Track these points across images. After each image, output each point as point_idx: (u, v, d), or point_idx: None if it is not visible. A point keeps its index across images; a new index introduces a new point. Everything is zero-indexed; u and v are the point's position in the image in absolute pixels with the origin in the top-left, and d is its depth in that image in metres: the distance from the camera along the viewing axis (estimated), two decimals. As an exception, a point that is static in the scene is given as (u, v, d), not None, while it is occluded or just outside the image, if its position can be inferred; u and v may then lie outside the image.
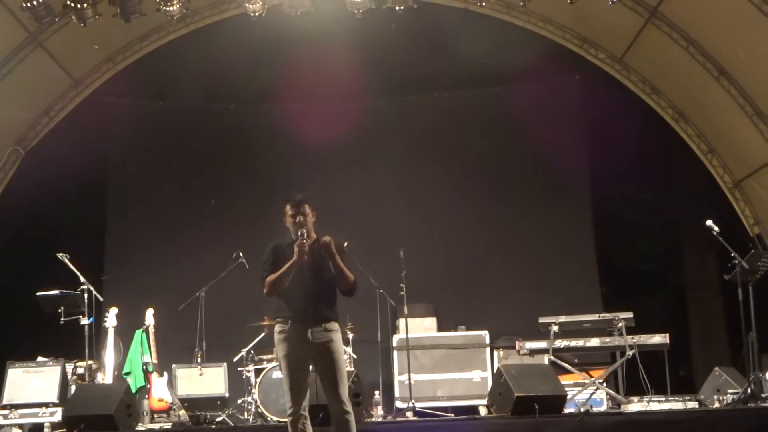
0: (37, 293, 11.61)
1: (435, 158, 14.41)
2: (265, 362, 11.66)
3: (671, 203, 14.25)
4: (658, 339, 10.84)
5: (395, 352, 12.48)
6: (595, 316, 11.07)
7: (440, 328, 13.09)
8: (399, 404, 12.05)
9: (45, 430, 11.08)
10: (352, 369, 10.65)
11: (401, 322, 12.20)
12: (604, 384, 11.09)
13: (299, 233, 7.19)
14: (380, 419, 10.92)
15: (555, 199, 14.36)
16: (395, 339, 12.54)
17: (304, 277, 7.18)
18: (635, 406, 9.95)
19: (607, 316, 11.00)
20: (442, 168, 14.43)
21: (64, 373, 11.55)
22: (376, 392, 11.66)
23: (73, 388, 11.38)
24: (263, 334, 11.88)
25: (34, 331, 12.33)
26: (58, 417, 11.01)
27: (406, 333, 11.77)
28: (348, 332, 11.61)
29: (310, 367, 7.32)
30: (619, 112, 14.05)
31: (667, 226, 14.40)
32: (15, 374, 11.57)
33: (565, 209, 14.38)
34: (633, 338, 10.71)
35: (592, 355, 11.53)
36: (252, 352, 11.96)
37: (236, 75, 14.25)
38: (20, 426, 11.27)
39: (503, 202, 14.40)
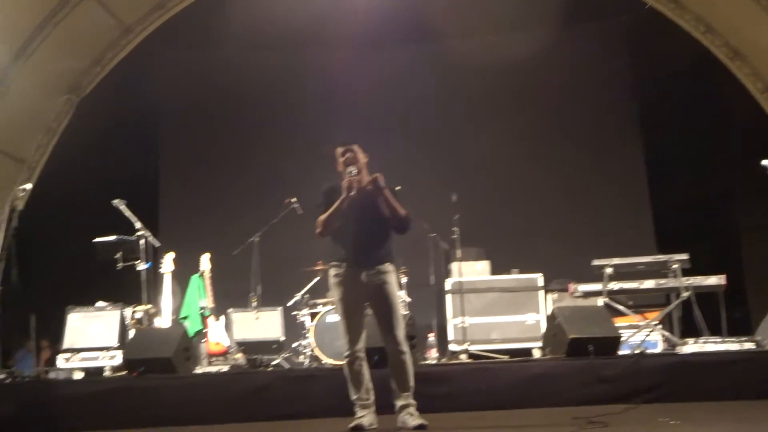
0: (95, 240, 11.78)
1: (486, 102, 14.34)
2: (320, 306, 11.76)
3: (725, 144, 14.05)
4: (713, 280, 10.72)
5: (448, 296, 12.50)
6: (649, 258, 10.96)
7: (493, 272, 13.06)
8: (453, 347, 12.10)
9: (105, 373, 11.29)
10: (407, 312, 10.71)
11: (454, 265, 12.22)
12: (659, 326, 11.03)
13: (348, 171, 7.20)
14: (435, 362, 10.98)
15: (607, 141, 14.27)
16: (448, 283, 12.56)
17: (356, 220, 7.20)
18: (690, 347, 9.86)
19: (661, 257, 10.88)
20: (493, 112, 14.37)
21: (122, 318, 11.73)
22: (430, 335, 11.72)
23: (131, 333, 11.56)
24: (317, 279, 11.98)
25: (93, 277, 12.52)
26: (118, 360, 11.21)
27: (460, 276, 11.78)
28: (402, 276, 11.66)
29: (366, 309, 7.37)
30: (671, 52, 13.83)
31: (721, 167, 14.19)
32: (75, 319, 11.78)
33: (617, 151, 14.30)
34: (688, 280, 10.58)
35: (647, 297, 11.45)
36: (306, 296, 12.07)
37: (285, 20, 14.19)
38: (81, 369, 11.49)
39: (555, 145, 14.33)
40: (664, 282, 10.73)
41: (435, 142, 14.30)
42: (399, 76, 14.30)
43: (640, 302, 11.38)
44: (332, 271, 7.32)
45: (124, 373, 10.25)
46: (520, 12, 14.00)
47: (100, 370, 11.37)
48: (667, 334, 10.98)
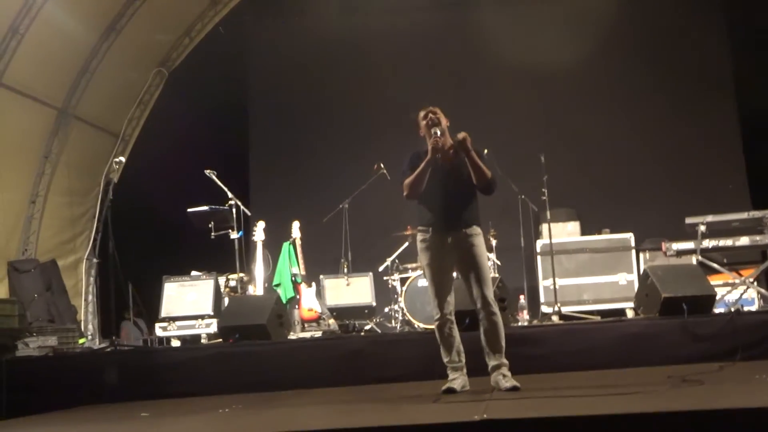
0: (188, 210, 11.98)
1: (573, 63, 14.12)
2: (410, 271, 11.82)
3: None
4: (811, 235, 10.50)
5: (539, 258, 12.45)
6: (744, 215, 10.71)
7: (584, 232, 12.98)
8: (544, 309, 12.07)
9: (202, 340, 11.52)
10: (496, 275, 10.69)
11: (544, 227, 12.15)
12: (755, 283, 10.84)
13: (433, 132, 7.19)
14: (526, 323, 10.96)
15: (700, 97, 13.99)
16: (539, 244, 12.51)
17: (442, 184, 7.17)
18: (788, 304, 9.73)
19: (757, 213, 10.63)
20: (580, 73, 14.17)
21: (217, 286, 11.95)
22: (521, 297, 11.69)
23: (226, 301, 11.78)
24: (407, 244, 12.02)
25: (187, 246, 12.74)
26: (213, 328, 11.44)
27: (550, 238, 11.71)
28: (491, 239, 11.64)
29: (454, 273, 7.38)
30: (763, 4, 13.48)
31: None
32: (171, 288, 12.04)
33: (709, 107, 14.01)
34: (785, 236, 10.39)
35: (742, 254, 11.24)
36: (397, 261, 12.13)
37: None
38: (178, 337, 11.74)
39: (644, 105, 14.09)
40: (759, 238, 10.49)
41: (522, 102, 14.17)
42: (486, 37, 14.18)
43: (735, 259, 11.19)
44: (419, 236, 7.33)
45: (219, 340, 10.44)
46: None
47: (197, 337, 11.62)
48: (763, 291, 10.81)
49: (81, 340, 11.88)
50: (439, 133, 7.15)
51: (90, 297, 13.90)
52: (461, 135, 7.16)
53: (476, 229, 7.22)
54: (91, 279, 13.97)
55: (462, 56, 14.39)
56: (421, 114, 7.34)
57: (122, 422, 7.23)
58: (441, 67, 14.29)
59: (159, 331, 11.87)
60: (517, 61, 14.12)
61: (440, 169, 7.16)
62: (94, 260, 13.92)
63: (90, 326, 13.71)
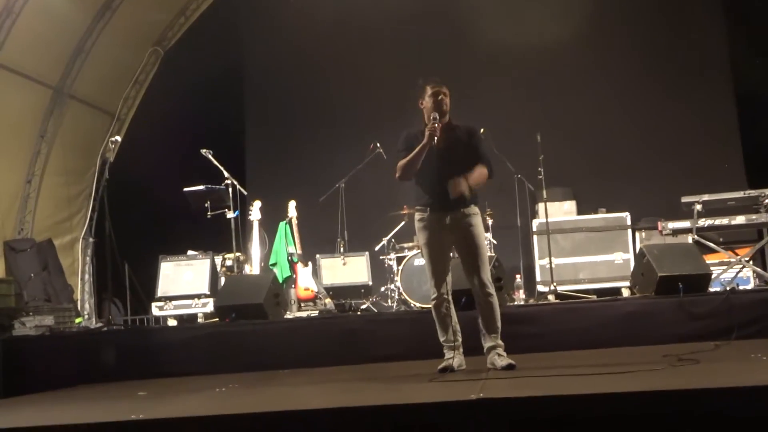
0: (184, 189, 11.98)
1: (569, 41, 14.10)
2: (406, 250, 11.84)
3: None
4: (806, 214, 10.50)
5: (535, 237, 12.47)
6: (740, 193, 10.72)
7: (580, 211, 13.00)
8: (541, 288, 12.10)
9: (198, 320, 11.54)
10: (493, 254, 10.69)
11: (540, 206, 12.15)
12: (751, 262, 10.86)
13: (432, 116, 7.16)
14: (522, 302, 10.98)
15: (695, 76, 13.96)
16: (535, 223, 12.53)
17: (438, 164, 7.13)
18: (783, 283, 9.75)
19: (753, 192, 10.63)
20: (576, 49, 14.15)
21: (213, 266, 11.98)
22: (518, 276, 11.72)
23: (222, 280, 11.80)
24: (403, 223, 12.04)
25: (183, 225, 12.75)
26: (210, 307, 11.49)
27: (546, 217, 11.72)
28: (487, 218, 11.64)
29: (452, 252, 7.39)
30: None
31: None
32: (167, 268, 12.08)
33: (705, 86, 13.98)
34: (780, 214, 10.39)
35: (738, 233, 11.27)
36: (393, 240, 12.15)
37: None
38: (174, 317, 11.76)
39: (641, 82, 14.05)
40: (755, 217, 10.50)
41: (519, 82, 14.16)
42: (482, 18, 14.15)
43: (730, 238, 11.22)
44: (417, 216, 7.32)
45: (216, 319, 10.46)
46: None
47: (194, 317, 11.65)
48: (759, 270, 10.84)
49: (77, 320, 11.90)
50: (437, 117, 7.11)
51: (86, 276, 13.91)
52: (460, 189, 7.12)
53: (474, 209, 7.22)
54: (88, 258, 13.96)
55: (458, 37, 14.34)
56: (429, 89, 7.28)
57: (120, 401, 7.24)
58: (436, 47, 14.23)
59: (155, 310, 11.90)
60: (513, 41, 14.08)
61: (436, 149, 7.13)
62: (91, 240, 13.92)
63: (86, 305, 13.73)
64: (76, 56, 13.38)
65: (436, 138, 7.06)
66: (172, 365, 9.09)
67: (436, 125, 7.08)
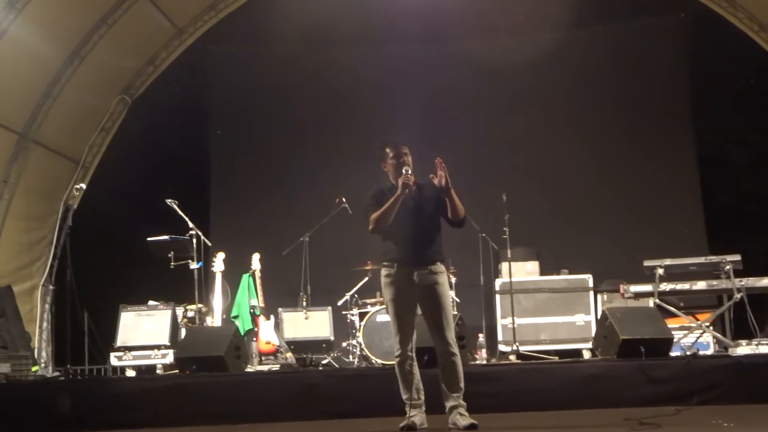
0: (148, 239, 11.91)
1: (534, 101, 14.28)
2: (369, 306, 11.81)
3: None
4: (767, 281, 10.60)
5: (498, 296, 12.52)
6: (701, 259, 10.81)
7: (543, 272, 13.05)
8: (502, 347, 12.11)
9: (157, 371, 11.42)
10: (456, 312, 10.70)
11: (504, 265, 12.22)
12: (711, 327, 10.94)
13: (404, 170, 7.22)
14: (484, 362, 10.97)
15: (658, 140, 14.15)
16: (498, 283, 12.57)
17: (408, 219, 7.19)
18: (743, 349, 9.75)
19: (714, 258, 10.73)
20: (542, 111, 14.30)
21: (174, 317, 11.89)
22: (480, 335, 11.72)
23: (183, 331, 11.71)
24: (366, 279, 12.03)
25: (145, 275, 12.65)
26: (169, 359, 11.36)
27: (509, 277, 11.77)
28: (451, 276, 11.65)
29: (417, 309, 7.38)
30: (723, 50, 13.69)
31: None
32: (128, 317, 11.97)
33: (668, 150, 14.16)
34: (741, 281, 10.39)
35: (699, 298, 11.35)
36: (356, 296, 12.11)
37: (335, 18, 14.20)
38: (133, 367, 11.63)
39: (604, 145, 14.23)
40: (716, 283, 10.59)
41: (484, 140, 14.26)
42: (446, 73, 14.29)
43: (691, 303, 11.30)
44: (384, 272, 7.33)
45: (175, 371, 10.36)
46: (575, 9, 13.90)
47: (152, 368, 11.52)
48: (719, 335, 10.89)
49: (34, 368, 11.71)
50: (408, 170, 7.19)
51: (45, 324, 13.71)
52: (440, 178, 7.16)
53: (440, 267, 7.24)
54: (47, 306, 13.78)
55: (425, 90, 14.42)
56: (389, 151, 7.37)
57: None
58: (404, 100, 14.29)
59: (114, 360, 11.77)
60: (479, 98, 14.24)
61: (405, 205, 7.18)
62: (51, 287, 13.75)
63: (44, 354, 13.52)
64: (43, 102, 13.31)
65: (409, 189, 7.10)
66: (130, 416, 8.95)
67: (410, 176, 7.14)
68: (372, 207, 7.28)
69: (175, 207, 11.62)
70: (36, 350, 13.21)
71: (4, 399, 9.26)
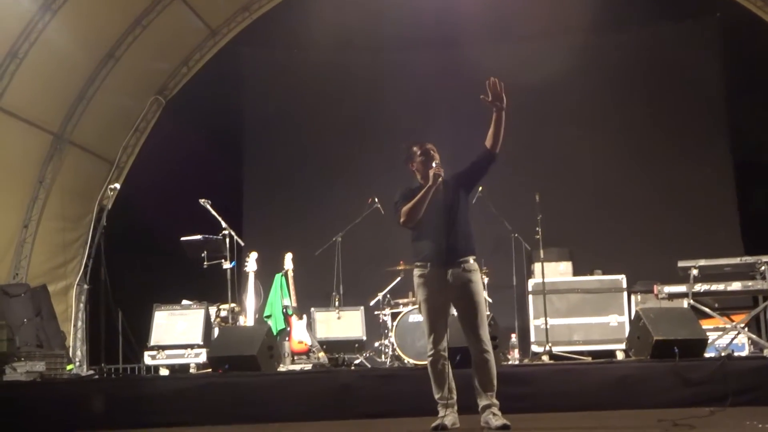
0: (181, 239, 11.97)
1: (570, 102, 14.22)
2: (401, 306, 11.79)
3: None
4: (803, 282, 10.49)
5: (531, 297, 12.46)
6: (736, 260, 10.71)
7: (576, 273, 13.00)
8: (535, 348, 12.07)
9: (191, 370, 11.47)
10: (489, 313, 10.67)
11: (537, 266, 12.17)
12: (746, 328, 10.85)
13: (434, 163, 7.22)
14: (517, 362, 10.94)
15: (693, 141, 14.05)
16: (531, 283, 12.53)
17: (439, 218, 7.18)
18: (779, 350, 9.71)
19: (749, 259, 10.63)
20: (577, 112, 14.25)
21: (207, 316, 11.94)
22: (513, 336, 11.68)
23: (216, 331, 11.76)
24: (399, 279, 12.02)
25: (179, 275, 12.72)
26: (202, 358, 11.42)
27: (542, 277, 11.73)
28: (483, 276, 11.61)
29: (450, 309, 7.37)
30: (760, 51, 13.58)
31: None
32: (161, 317, 12.03)
33: (703, 151, 14.07)
34: (776, 282, 10.37)
35: (734, 299, 11.24)
36: (388, 296, 12.10)
37: (370, 22, 14.24)
38: (167, 366, 11.69)
39: (639, 146, 14.15)
40: (751, 284, 10.49)
41: (518, 141, 14.16)
42: (477, 77, 14.21)
43: (726, 304, 11.20)
44: (416, 272, 7.31)
45: (208, 370, 10.40)
46: (610, 11, 13.87)
47: (186, 367, 11.58)
48: (754, 336, 10.81)
49: (69, 367, 11.82)
50: (439, 163, 7.19)
51: (79, 323, 13.84)
52: (497, 98, 7.31)
53: (474, 265, 7.22)
54: (81, 305, 13.91)
55: (455, 92, 14.36)
56: (417, 149, 7.37)
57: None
58: (434, 102, 14.29)
59: (148, 359, 11.84)
60: (512, 99, 14.09)
61: (436, 203, 7.17)
62: (85, 286, 13.87)
63: (78, 353, 13.64)
64: (78, 103, 13.44)
65: (441, 178, 7.09)
66: (163, 415, 9.00)
67: (441, 168, 7.15)
68: (402, 203, 7.28)
69: (209, 207, 11.67)
70: (71, 349, 13.33)
71: (39, 397, 9.34)
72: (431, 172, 7.17)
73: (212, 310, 12.10)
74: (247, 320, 11.77)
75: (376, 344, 12.04)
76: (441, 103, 14.26)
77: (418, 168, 7.41)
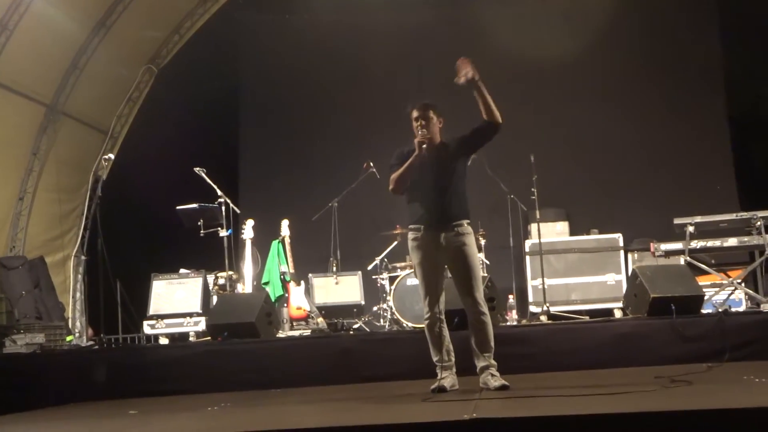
0: (177, 207, 11.96)
1: (564, 63, 14.14)
2: (399, 270, 11.81)
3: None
4: (799, 237, 10.49)
5: (528, 258, 12.49)
6: (732, 215, 10.70)
7: (572, 232, 13.03)
8: (533, 308, 12.11)
9: (190, 338, 11.50)
10: (486, 274, 10.69)
11: (533, 227, 12.17)
12: (743, 284, 10.86)
13: (420, 132, 7.20)
14: (515, 323, 10.97)
15: (688, 98, 14.00)
16: (527, 244, 12.55)
17: (432, 181, 7.17)
18: (775, 305, 9.73)
19: (744, 214, 10.62)
20: (571, 73, 14.18)
21: (205, 284, 11.95)
22: (510, 297, 11.71)
23: (215, 299, 11.78)
24: (396, 243, 12.02)
25: (176, 244, 12.73)
26: (202, 326, 11.43)
27: (539, 238, 11.73)
28: (480, 238, 11.63)
29: (445, 271, 7.38)
30: (755, 7, 13.50)
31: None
32: (159, 286, 12.03)
33: (699, 108, 14.03)
34: (772, 237, 10.38)
35: (730, 255, 11.25)
36: (386, 260, 12.11)
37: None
38: (166, 335, 11.73)
39: (633, 104, 14.09)
40: (747, 240, 10.50)
41: (512, 101, 14.08)
42: (476, 35, 14.17)
43: (722, 260, 11.21)
44: (411, 235, 7.31)
45: (208, 338, 10.43)
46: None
47: (185, 335, 11.61)
48: (750, 292, 10.82)
49: (68, 338, 11.85)
50: (426, 133, 7.16)
51: (78, 294, 13.87)
52: (466, 75, 7.17)
53: (467, 228, 7.20)
54: (79, 276, 13.93)
55: (453, 54, 14.25)
56: (414, 112, 7.35)
57: (110, 420, 7.21)
58: (432, 64, 14.16)
59: (147, 328, 11.86)
60: (508, 60, 14.09)
61: (429, 166, 7.15)
62: (83, 257, 13.88)
63: (78, 324, 13.68)
64: (70, 73, 13.40)
65: (424, 146, 7.08)
66: (164, 384, 9.07)
67: (426, 136, 7.12)
68: (395, 167, 7.27)
69: (204, 175, 11.65)
70: (70, 320, 13.36)
71: (39, 369, 9.36)
72: (416, 141, 7.15)
73: (210, 278, 12.11)
74: (245, 287, 11.80)
75: (375, 308, 12.08)
76: (438, 64, 14.18)
77: (414, 131, 7.38)
